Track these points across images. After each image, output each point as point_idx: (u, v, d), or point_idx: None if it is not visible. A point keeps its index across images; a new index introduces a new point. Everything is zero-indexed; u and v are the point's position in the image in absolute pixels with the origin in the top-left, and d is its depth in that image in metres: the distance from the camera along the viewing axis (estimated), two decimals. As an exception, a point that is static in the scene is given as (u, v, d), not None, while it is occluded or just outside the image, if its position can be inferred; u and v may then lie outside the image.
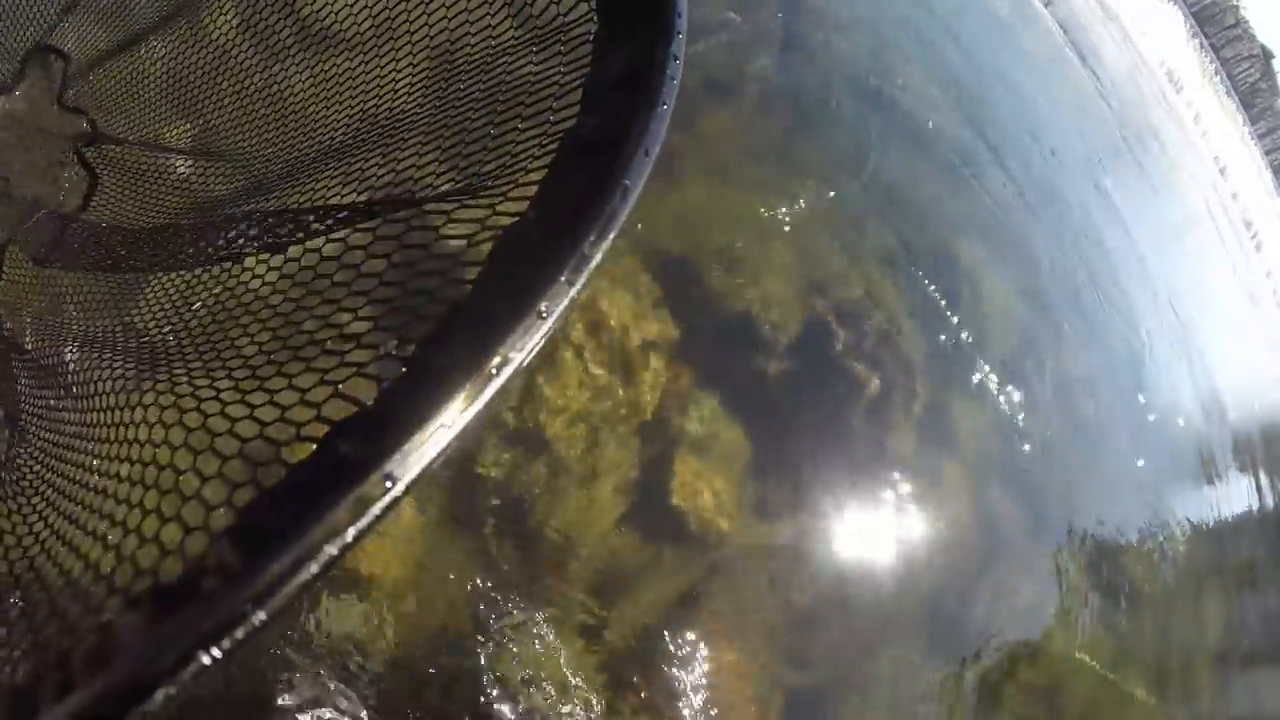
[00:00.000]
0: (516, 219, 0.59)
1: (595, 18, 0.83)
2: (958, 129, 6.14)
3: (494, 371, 0.43)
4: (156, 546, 0.49)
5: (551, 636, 2.30)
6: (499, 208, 0.63)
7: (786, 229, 3.75)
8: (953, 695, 3.27)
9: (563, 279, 0.48)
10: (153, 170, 1.35)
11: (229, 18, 1.29)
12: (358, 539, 0.39)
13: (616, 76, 0.77)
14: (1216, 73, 40.63)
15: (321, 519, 0.37)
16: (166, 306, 1.09)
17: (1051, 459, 4.72)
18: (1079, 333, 5.94)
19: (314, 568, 0.37)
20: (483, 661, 2.16)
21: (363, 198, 0.94)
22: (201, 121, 1.35)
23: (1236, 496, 7.35)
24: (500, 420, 2.35)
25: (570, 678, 2.29)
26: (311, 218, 0.90)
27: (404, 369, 0.48)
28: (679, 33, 0.76)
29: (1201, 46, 39.18)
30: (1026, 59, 10.29)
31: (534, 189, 0.63)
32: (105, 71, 1.39)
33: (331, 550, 0.37)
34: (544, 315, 0.48)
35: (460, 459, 2.26)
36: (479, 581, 2.24)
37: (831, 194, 4.21)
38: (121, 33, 1.39)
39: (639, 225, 3.16)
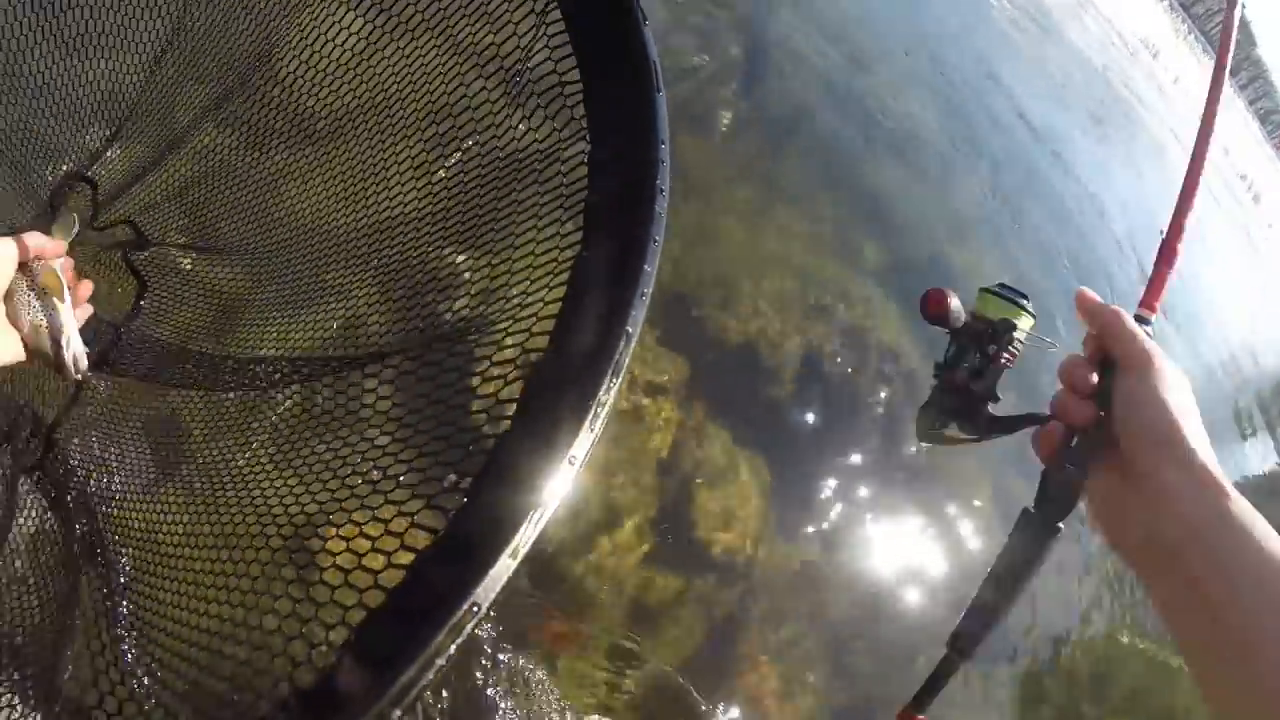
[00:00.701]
0: (541, 359, 0.70)
1: (588, 137, 0.87)
2: (938, 131, 6.28)
3: (538, 517, 0.55)
4: (287, 660, 0.61)
5: (587, 669, 2.39)
6: (528, 345, 0.72)
7: (779, 253, 3.88)
8: (995, 691, 3.33)
9: (586, 426, 0.60)
10: (198, 275, 1.39)
11: (237, 132, 1.35)
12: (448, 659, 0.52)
13: (610, 205, 0.82)
14: (1190, 31, 40.94)
15: (428, 644, 0.49)
16: (228, 425, 1.19)
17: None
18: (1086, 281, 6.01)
19: (422, 682, 0.49)
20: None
21: (392, 330, 1.05)
22: (236, 225, 1.38)
23: (1269, 455, 7.37)
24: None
25: (609, 708, 2.36)
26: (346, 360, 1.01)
27: (465, 500, 0.60)
28: (662, 161, 0.79)
29: (1171, 7, 39.58)
30: (1001, 43, 10.47)
31: (552, 324, 0.72)
32: (144, 186, 1.42)
33: (438, 663, 0.49)
34: (573, 462, 0.58)
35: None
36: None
37: (819, 213, 4.35)
38: (158, 150, 1.42)
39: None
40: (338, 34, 1.16)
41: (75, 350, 0.80)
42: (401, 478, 0.74)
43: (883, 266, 4.47)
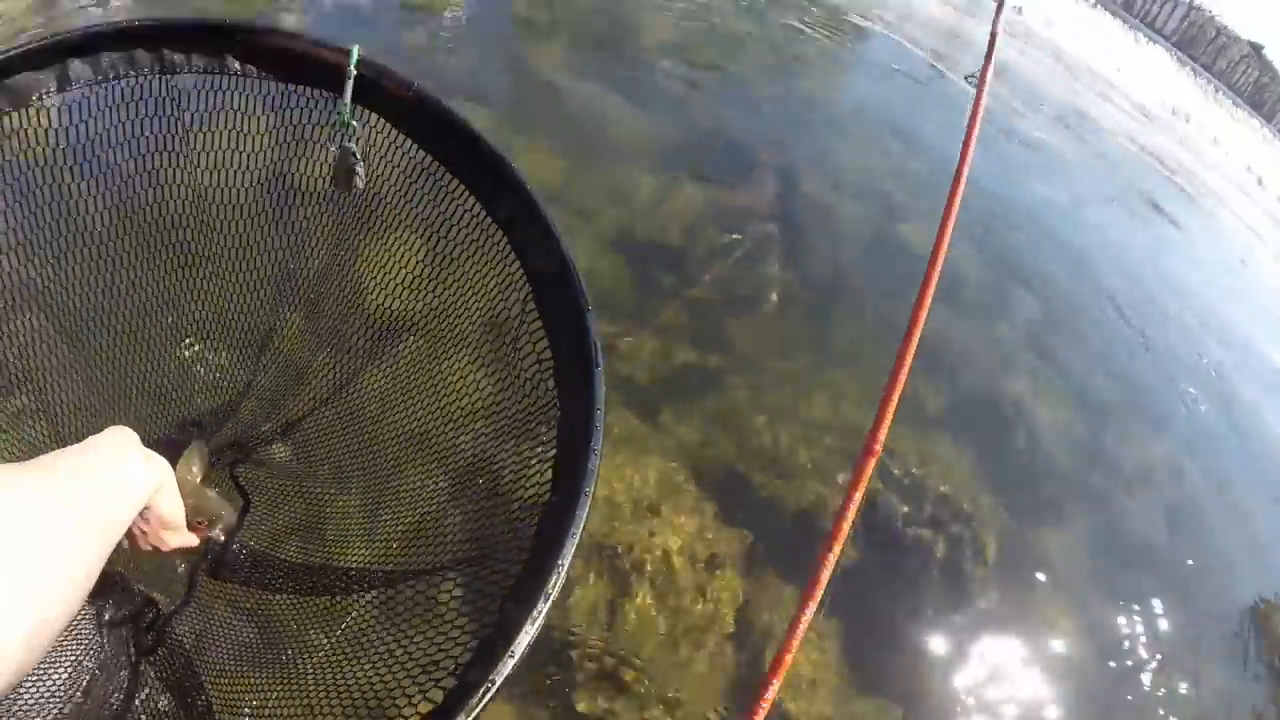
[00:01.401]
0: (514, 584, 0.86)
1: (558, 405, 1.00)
2: (978, 263, 6.55)
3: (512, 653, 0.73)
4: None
5: None
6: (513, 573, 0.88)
7: (830, 415, 4.14)
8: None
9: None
10: (292, 485, 1.48)
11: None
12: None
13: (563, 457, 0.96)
14: (1217, 90, 40.98)
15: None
16: (317, 617, 1.31)
17: (1154, 554, 4.80)
18: (1142, 420, 6.08)
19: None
20: None
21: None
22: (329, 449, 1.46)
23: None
24: (589, 659, 2.60)
25: None
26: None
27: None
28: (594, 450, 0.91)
29: (1194, 72, 39.87)
30: (1036, 164, 10.78)
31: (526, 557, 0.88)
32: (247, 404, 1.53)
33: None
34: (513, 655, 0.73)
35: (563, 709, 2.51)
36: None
37: (869, 369, 4.62)
38: (260, 370, 1.51)
39: (686, 448, 3.59)
40: (406, 258, 1.30)
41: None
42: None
43: (936, 409, 4.68)
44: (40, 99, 0.97)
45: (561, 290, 1.02)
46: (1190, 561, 4.93)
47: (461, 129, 1.13)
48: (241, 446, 1.46)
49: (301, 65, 1.14)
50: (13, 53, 0.93)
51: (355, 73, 1.08)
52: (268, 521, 1.43)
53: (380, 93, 1.14)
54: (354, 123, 1.12)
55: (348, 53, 1.09)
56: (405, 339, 1.31)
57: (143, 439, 0.84)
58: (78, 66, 0.99)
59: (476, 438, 1.17)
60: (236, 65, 1.13)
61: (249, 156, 1.23)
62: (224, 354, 1.48)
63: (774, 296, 4.81)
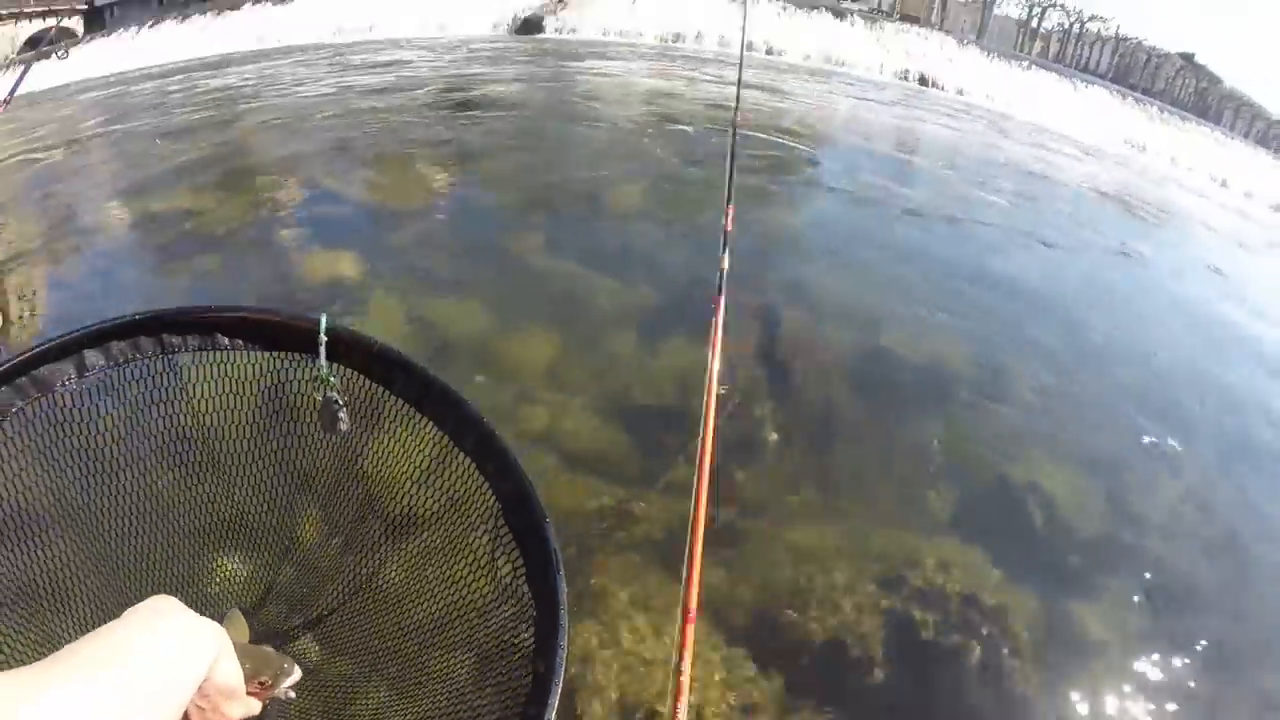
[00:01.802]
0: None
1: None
2: (966, 361, 6.82)
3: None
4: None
5: None
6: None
7: (844, 542, 4.38)
8: None
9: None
10: (321, 671, 1.47)
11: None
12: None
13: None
14: (1161, 110, 42.09)
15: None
16: None
17: (1201, 594, 4.85)
18: (1158, 464, 6.14)
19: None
20: None
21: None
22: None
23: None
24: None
25: None
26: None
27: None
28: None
29: (1135, 100, 41.08)
30: (1000, 237, 11.19)
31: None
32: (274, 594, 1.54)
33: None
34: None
35: None
36: None
37: (874, 487, 4.87)
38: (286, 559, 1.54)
39: (709, 598, 3.81)
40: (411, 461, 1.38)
41: None
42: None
43: (945, 511, 4.90)
44: (63, 385, 1.14)
45: (524, 507, 1.18)
46: (1242, 591, 4.98)
47: (421, 376, 1.29)
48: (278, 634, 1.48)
49: (279, 336, 1.30)
50: (34, 352, 1.11)
51: (325, 338, 1.26)
52: (299, 709, 1.48)
53: (348, 351, 1.30)
54: (332, 378, 1.27)
55: (317, 322, 1.26)
56: (420, 533, 1.40)
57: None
58: (92, 355, 1.19)
59: (479, 630, 1.27)
60: (225, 340, 1.30)
61: (246, 399, 1.36)
62: (244, 558, 1.52)
63: (772, 437, 5.12)
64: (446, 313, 6.27)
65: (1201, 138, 40.34)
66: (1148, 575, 4.89)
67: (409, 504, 1.37)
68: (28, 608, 1.24)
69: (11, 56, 42.05)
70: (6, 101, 2.46)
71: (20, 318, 6.25)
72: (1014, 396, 6.53)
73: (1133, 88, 54.12)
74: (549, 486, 4.41)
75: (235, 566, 1.50)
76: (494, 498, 1.22)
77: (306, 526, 1.49)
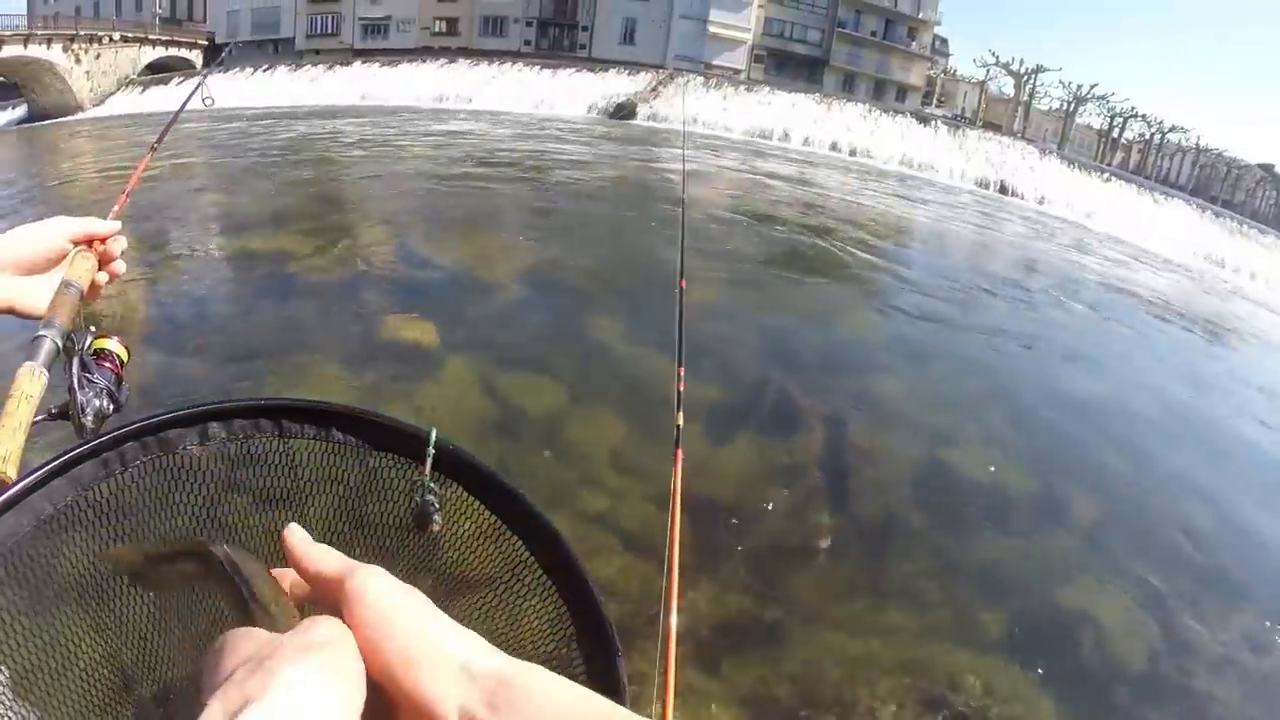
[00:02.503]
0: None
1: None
2: (1026, 479, 6.83)
3: None
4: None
5: None
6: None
7: (891, 655, 4.42)
8: None
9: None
10: None
11: None
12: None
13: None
14: (1241, 224, 41.40)
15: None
16: None
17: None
18: (1216, 597, 6.03)
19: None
20: None
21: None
22: None
23: None
24: None
25: None
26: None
27: None
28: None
29: (1215, 214, 40.53)
30: (1069, 359, 11.14)
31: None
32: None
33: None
34: None
35: None
36: None
37: (927, 602, 4.91)
38: None
39: (748, 699, 3.89)
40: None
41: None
42: None
43: (996, 633, 4.91)
44: (184, 448, 1.40)
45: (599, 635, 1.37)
46: None
47: (521, 504, 1.47)
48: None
49: (390, 441, 1.52)
50: (168, 415, 1.34)
51: (433, 451, 1.45)
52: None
53: (450, 464, 1.53)
54: (432, 485, 1.24)
55: (427, 434, 1.46)
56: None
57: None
58: (215, 427, 1.42)
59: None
60: (339, 435, 1.53)
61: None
62: None
63: (825, 543, 5.21)
64: (519, 388, 6.55)
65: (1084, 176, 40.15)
66: (1197, 715, 4.82)
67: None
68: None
69: (132, 76, 45.23)
70: (154, 148, 2.70)
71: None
72: (1074, 522, 6.50)
73: (1213, 199, 53.57)
74: (600, 566, 4.58)
75: None
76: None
77: None
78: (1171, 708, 4.81)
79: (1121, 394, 10.18)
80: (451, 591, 1.48)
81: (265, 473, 1.41)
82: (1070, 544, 6.21)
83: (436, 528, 1.36)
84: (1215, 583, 6.29)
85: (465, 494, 1.40)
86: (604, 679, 1.19)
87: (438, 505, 1.39)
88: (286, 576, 0.61)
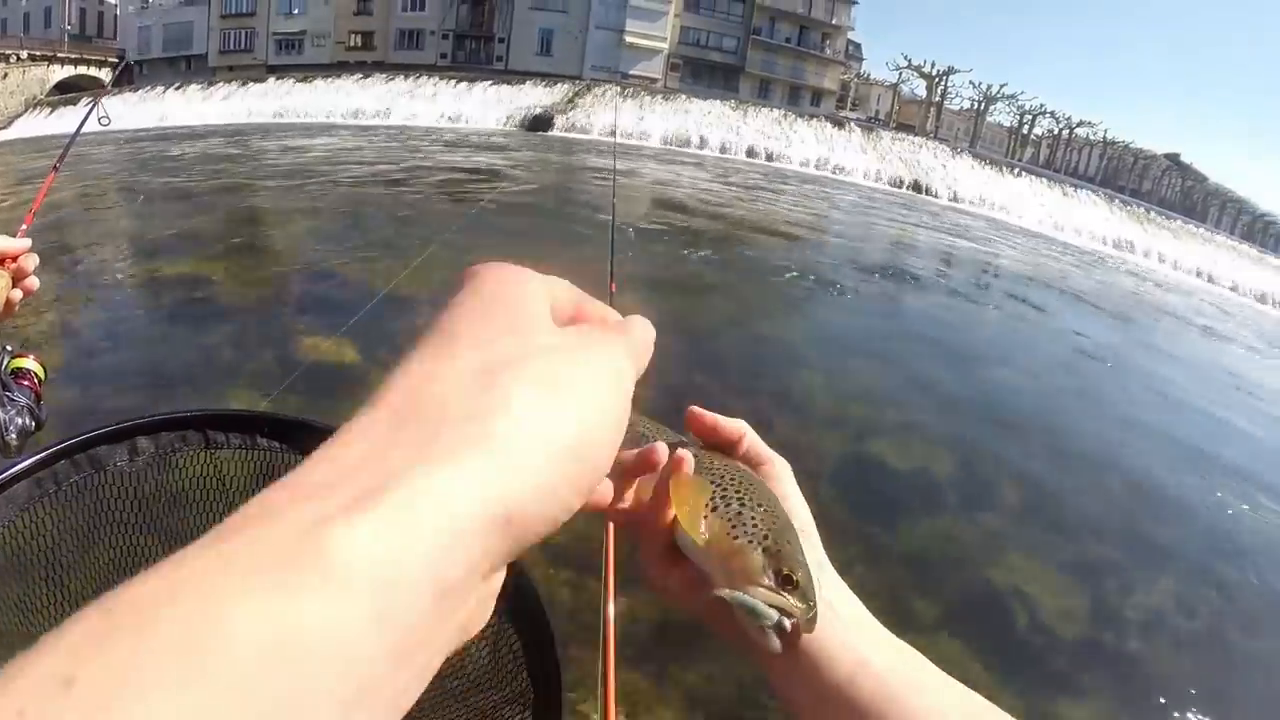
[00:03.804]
0: None
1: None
2: (949, 462, 7.00)
3: None
4: None
5: None
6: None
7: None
8: None
9: None
10: None
11: None
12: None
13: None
14: (1148, 210, 43.46)
15: None
16: None
17: (1183, 689, 4.86)
18: (1141, 564, 6.22)
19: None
20: None
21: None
22: None
23: None
24: None
25: None
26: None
27: None
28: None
29: (1123, 203, 42.35)
30: (991, 349, 11.41)
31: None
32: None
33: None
34: None
35: None
36: None
37: (862, 591, 4.94)
38: None
39: (685, 697, 3.87)
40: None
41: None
42: None
43: (932, 615, 4.92)
44: (115, 464, 1.17)
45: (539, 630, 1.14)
46: (1227, 682, 5.06)
47: None
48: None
49: (313, 441, 1.51)
50: (96, 433, 1.33)
51: None
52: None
53: None
54: None
55: None
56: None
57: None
58: (143, 442, 1.40)
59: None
60: (264, 442, 1.52)
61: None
62: None
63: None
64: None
65: (1189, 235, 41.63)
66: (1133, 675, 4.96)
67: None
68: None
69: (40, 97, 43.38)
70: (57, 167, 2.62)
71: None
72: (998, 501, 6.67)
73: (1121, 189, 55.96)
74: (538, 578, 4.49)
75: None
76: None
77: None
78: (1106, 672, 4.92)
79: (1035, 377, 10.50)
80: None
81: (196, 492, 1.38)
82: (997, 523, 6.34)
83: None
84: (1139, 548, 6.50)
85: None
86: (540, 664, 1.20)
87: None
88: None
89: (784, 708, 0.54)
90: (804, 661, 0.52)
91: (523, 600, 1.26)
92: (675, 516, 0.52)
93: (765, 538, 0.50)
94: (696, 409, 0.60)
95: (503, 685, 1.22)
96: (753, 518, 0.51)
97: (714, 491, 0.53)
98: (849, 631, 0.54)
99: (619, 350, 0.38)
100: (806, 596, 0.49)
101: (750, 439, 0.61)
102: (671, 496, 0.52)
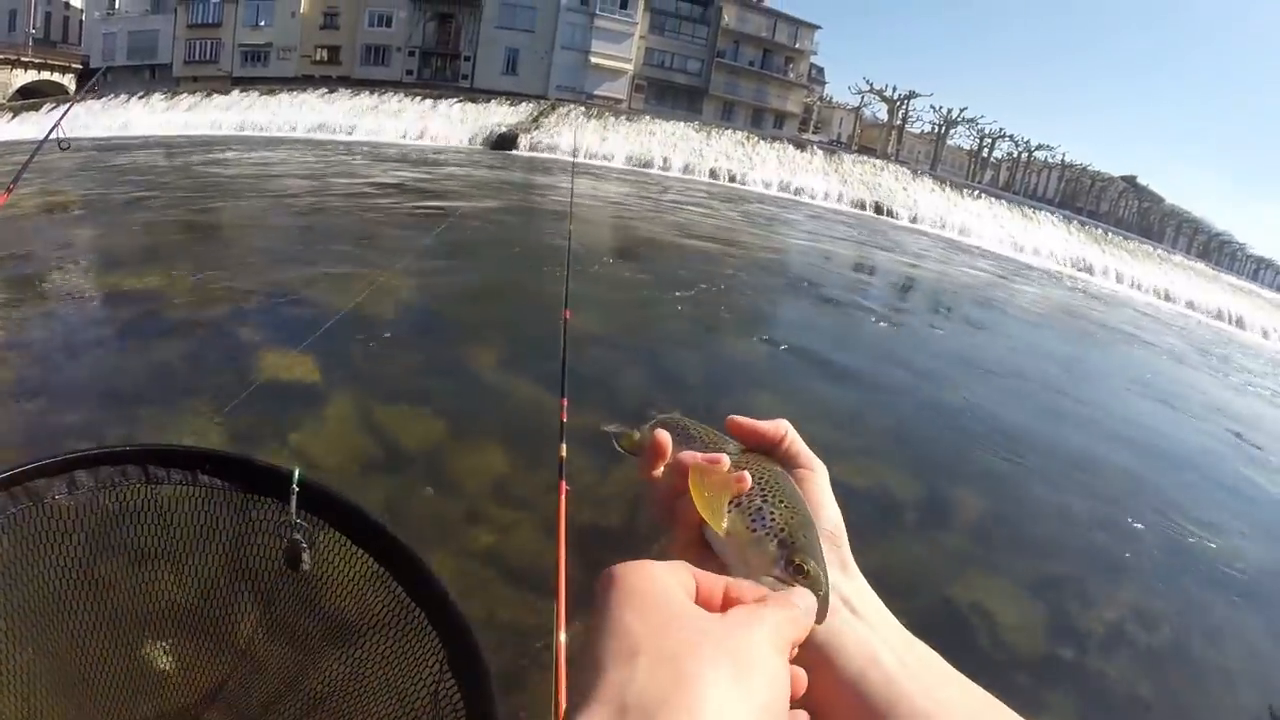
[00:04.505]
0: None
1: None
2: (907, 481, 7.06)
3: None
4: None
5: None
6: None
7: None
8: None
9: None
10: None
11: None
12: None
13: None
14: (1106, 231, 44.47)
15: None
16: None
17: (1143, 704, 4.96)
18: (1099, 577, 6.27)
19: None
20: None
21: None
22: None
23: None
24: None
25: None
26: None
27: None
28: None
29: (1081, 224, 43.31)
30: (947, 370, 11.57)
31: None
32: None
33: None
34: None
35: None
36: None
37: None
38: None
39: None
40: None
41: None
42: None
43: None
44: (54, 498, 1.22)
45: (472, 668, 1.26)
46: (1184, 695, 5.14)
47: (383, 535, 1.37)
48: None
49: (256, 481, 1.41)
50: (32, 465, 1.21)
51: (297, 489, 1.36)
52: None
53: (319, 501, 1.40)
54: (299, 521, 1.37)
55: (291, 474, 1.37)
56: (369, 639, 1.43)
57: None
58: (82, 476, 1.29)
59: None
60: (205, 479, 1.40)
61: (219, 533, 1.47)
62: (190, 661, 1.53)
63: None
64: (401, 423, 6.37)
65: (1145, 256, 42.62)
66: (1092, 691, 4.99)
67: (368, 631, 1.45)
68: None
69: (3, 101, 42.11)
70: (11, 188, 2.55)
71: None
72: (957, 520, 6.71)
73: (1079, 210, 57.13)
74: (490, 602, 4.46)
75: (187, 668, 1.53)
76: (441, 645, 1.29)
77: (263, 638, 1.54)
78: (1067, 686, 4.96)
79: (993, 397, 10.63)
80: (331, 631, 1.48)
81: (137, 527, 1.40)
82: (956, 541, 6.38)
83: (306, 566, 1.40)
84: (1097, 563, 6.59)
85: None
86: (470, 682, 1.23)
87: (305, 544, 1.39)
88: None
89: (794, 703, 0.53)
90: (816, 656, 0.53)
91: (463, 648, 1.27)
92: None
93: (782, 530, 0.54)
94: (735, 417, 0.65)
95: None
96: (773, 513, 0.55)
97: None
98: (864, 629, 0.55)
99: (777, 622, 0.44)
100: (817, 586, 0.52)
101: (791, 439, 0.65)
102: (691, 491, 0.55)
